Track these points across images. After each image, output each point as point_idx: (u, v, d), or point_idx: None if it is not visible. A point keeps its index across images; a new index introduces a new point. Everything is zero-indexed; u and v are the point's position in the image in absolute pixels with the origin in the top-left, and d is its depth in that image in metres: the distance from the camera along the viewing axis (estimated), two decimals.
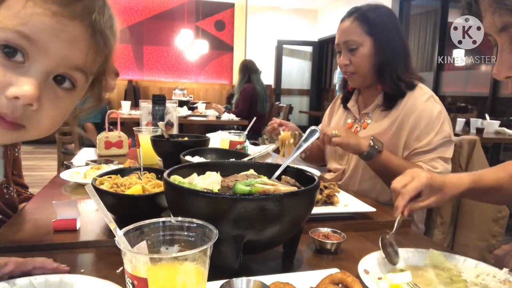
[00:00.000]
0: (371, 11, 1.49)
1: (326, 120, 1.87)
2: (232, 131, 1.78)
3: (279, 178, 0.89)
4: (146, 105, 2.12)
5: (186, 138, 1.64)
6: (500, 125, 4.14)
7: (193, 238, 0.57)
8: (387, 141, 1.46)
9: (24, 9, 0.48)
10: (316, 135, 1.03)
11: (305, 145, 1.00)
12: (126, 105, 4.96)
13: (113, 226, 0.53)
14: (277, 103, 6.91)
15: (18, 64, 0.50)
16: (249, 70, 5.15)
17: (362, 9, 1.51)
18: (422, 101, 1.44)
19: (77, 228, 0.91)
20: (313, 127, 1.06)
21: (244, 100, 5.02)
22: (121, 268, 0.71)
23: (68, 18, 0.50)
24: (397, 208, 0.85)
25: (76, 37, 0.51)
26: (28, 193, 1.40)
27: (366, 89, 1.62)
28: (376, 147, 1.34)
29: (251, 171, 0.91)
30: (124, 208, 0.91)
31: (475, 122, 4.13)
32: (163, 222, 0.57)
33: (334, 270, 0.69)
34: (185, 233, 0.57)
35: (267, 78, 9.45)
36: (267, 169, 0.93)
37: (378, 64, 1.48)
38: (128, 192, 0.94)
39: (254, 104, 5.00)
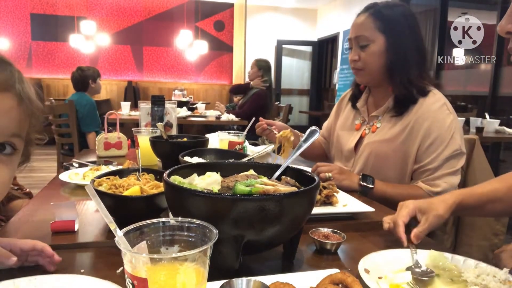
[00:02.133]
0: (387, 9, 1.46)
1: (333, 118, 1.82)
2: (232, 131, 1.78)
3: (279, 179, 0.89)
4: (145, 106, 2.12)
5: (185, 139, 1.64)
6: (500, 124, 4.14)
7: (193, 238, 0.57)
8: (396, 147, 1.43)
9: None
10: (316, 135, 1.03)
11: (305, 146, 0.99)
12: (125, 106, 4.95)
13: (113, 226, 0.53)
14: (276, 103, 6.89)
15: None
16: (268, 71, 5.08)
17: (378, 6, 1.48)
18: (435, 109, 1.39)
19: (76, 229, 0.91)
20: (312, 128, 1.05)
21: (252, 103, 4.89)
22: (121, 268, 0.71)
23: None
24: (401, 239, 0.86)
25: (7, 107, 0.57)
26: (24, 191, 1.39)
27: (376, 88, 1.57)
28: (366, 185, 1.33)
29: (251, 172, 0.90)
30: (122, 210, 0.91)
31: (475, 121, 4.13)
32: (163, 222, 0.57)
33: (334, 270, 0.69)
34: (185, 233, 0.57)
35: None
36: (266, 170, 0.93)
37: (388, 64, 1.45)
38: (126, 193, 0.94)
39: (260, 109, 4.90)
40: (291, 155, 0.97)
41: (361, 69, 1.50)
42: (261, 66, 5.03)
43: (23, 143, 0.62)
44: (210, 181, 0.83)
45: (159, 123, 1.67)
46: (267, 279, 0.61)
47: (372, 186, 1.34)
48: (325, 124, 1.89)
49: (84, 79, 3.99)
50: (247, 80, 5.48)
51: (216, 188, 0.80)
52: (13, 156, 0.60)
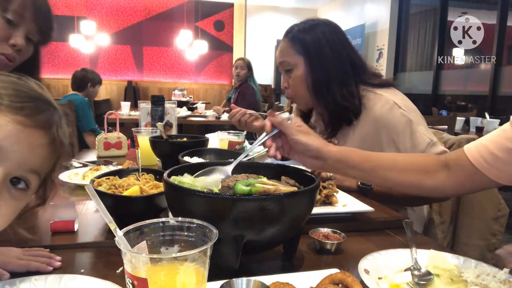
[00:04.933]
0: (303, 31, 1.42)
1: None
2: (231, 131, 1.78)
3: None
4: (145, 106, 2.12)
5: (184, 139, 1.64)
6: (500, 124, 4.12)
7: (193, 238, 0.57)
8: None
9: None
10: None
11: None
12: (125, 105, 4.96)
13: (113, 226, 0.53)
14: (276, 103, 6.90)
15: None
16: (251, 69, 5.15)
17: (295, 28, 1.44)
18: (384, 112, 1.34)
19: (75, 229, 0.90)
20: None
21: (243, 99, 4.97)
22: (121, 268, 0.71)
23: (32, 127, 0.55)
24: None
25: (37, 143, 0.56)
26: None
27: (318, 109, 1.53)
28: (364, 186, 1.31)
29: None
30: (122, 210, 0.91)
31: (475, 121, 4.13)
32: (163, 222, 0.57)
33: (334, 270, 0.69)
34: (185, 234, 0.57)
35: (267, 77, 9.46)
36: (266, 169, 0.93)
37: (311, 86, 1.41)
38: (125, 193, 0.94)
39: (254, 103, 4.96)
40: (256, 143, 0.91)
41: (293, 96, 1.49)
42: (250, 67, 5.10)
43: (38, 183, 0.60)
44: (211, 181, 0.83)
45: (159, 123, 1.67)
46: (267, 279, 0.61)
47: (371, 186, 1.33)
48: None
49: (85, 80, 4.02)
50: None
51: (216, 188, 0.80)
52: (25, 193, 0.58)
